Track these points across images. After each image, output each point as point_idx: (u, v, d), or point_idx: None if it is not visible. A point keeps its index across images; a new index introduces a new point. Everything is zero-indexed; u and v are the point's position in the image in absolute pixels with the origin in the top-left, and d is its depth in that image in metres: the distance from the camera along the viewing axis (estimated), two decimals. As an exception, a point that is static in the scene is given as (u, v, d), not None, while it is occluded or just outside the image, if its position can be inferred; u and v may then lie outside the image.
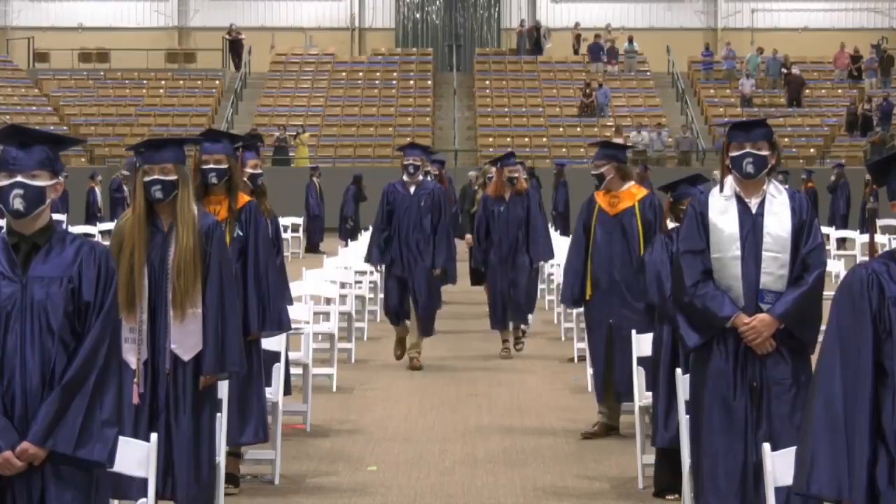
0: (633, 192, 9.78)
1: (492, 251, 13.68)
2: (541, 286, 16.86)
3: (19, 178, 4.60)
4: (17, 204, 4.58)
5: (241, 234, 7.82)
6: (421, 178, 13.17)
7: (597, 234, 9.75)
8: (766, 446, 5.24)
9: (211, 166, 7.84)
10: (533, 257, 13.81)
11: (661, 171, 32.32)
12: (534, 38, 42.25)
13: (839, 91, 40.32)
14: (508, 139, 37.76)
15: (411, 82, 41.19)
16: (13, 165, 4.61)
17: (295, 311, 9.70)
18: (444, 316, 15.97)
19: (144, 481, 5.27)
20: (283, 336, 8.56)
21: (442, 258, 13.01)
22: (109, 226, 23.62)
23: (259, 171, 9.03)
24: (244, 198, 7.99)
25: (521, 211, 13.65)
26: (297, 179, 31.31)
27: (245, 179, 8.64)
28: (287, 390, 9.59)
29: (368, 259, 13.51)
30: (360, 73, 41.63)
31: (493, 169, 14.91)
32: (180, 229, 6.33)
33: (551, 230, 18.43)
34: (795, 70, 39.41)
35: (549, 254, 14.36)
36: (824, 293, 6.27)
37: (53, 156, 4.70)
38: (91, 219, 27.73)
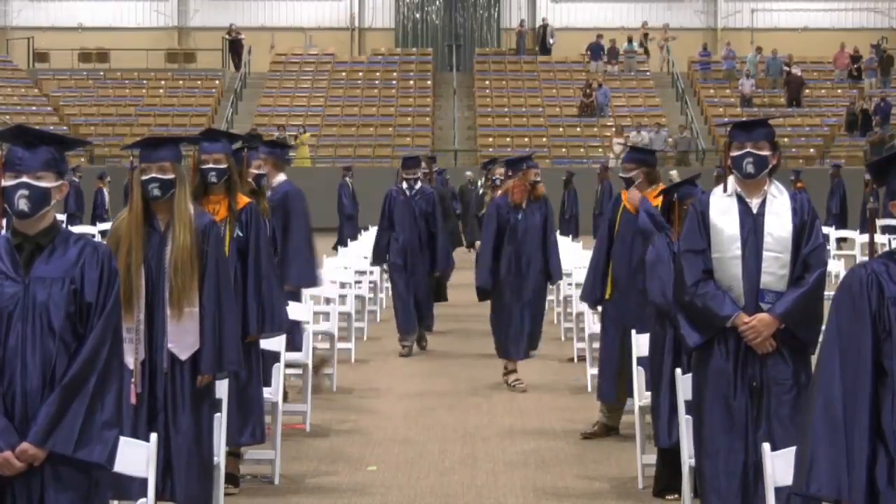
0: (656, 194, 9.67)
1: (503, 266, 11.85)
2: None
3: (24, 179, 4.61)
4: (22, 204, 4.59)
5: (240, 234, 7.82)
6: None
7: (620, 233, 9.66)
8: (766, 446, 5.25)
9: (210, 166, 7.84)
10: (553, 273, 12.23)
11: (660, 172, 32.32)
12: (540, 38, 42.26)
13: (839, 91, 40.33)
14: (508, 139, 37.78)
15: (411, 82, 41.19)
16: (19, 166, 4.62)
17: (295, 311, 9.71)
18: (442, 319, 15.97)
19: (144, 481, 5.27)
20: (282, 336, 8.57)
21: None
22: (108, 226, 23.62)
23: (263, 171, 9.06)
24: (244, 199, 7.98)
25: (539, 219, 11.97)
26: (296, 179, 31.29)
27: (249, 179, 8.68)
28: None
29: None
30: (360, 73, 41.64)
31: (500, 170, 14.18)
32: (177, 228, 6.33)
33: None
34: (796, 70, 39.42)
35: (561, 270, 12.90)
36: (825, 293, 6.28)
37: (59, 157, 4.71)
38: (97, 220, 27.71)
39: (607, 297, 9.66)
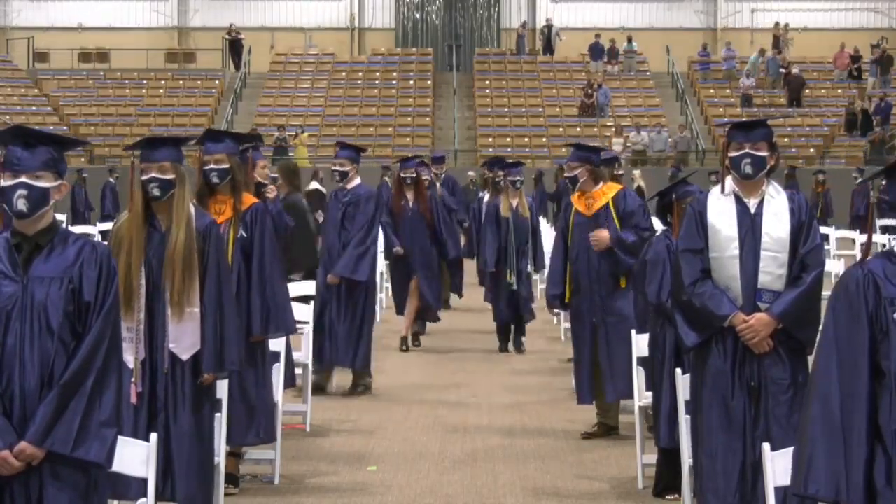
0: (605, 192, 9.81)
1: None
2: (541, 286, 16.86)
3: (23, 179, 4.61)
4: (21, 205, 4.60)
5: (244, 234, 7.80)
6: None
7: (574, 235, 9.78)
8: (766, 447, 5.25)
9: (212, 166, 7.83)
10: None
11: (661, 171, 32.37)
12: (545, 38, 42.23)
13: (839, 91, 40.30)
14: (508, 139, 37.78)
15: (411, 82, 41.18)
16: (17, 166, 4.63)
17: (295, 312, 9.71)
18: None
19: (144, 481, 5.27)
20: (283, 336, 8.57)
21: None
22: (108, 226, 23.64)
23: (265, 171, 9.09)
24: (249, 199, 7.97)
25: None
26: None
27: (262, 179, 8.73)
28: (292, 382, 9.66)
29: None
30: (360, 73, 41.63)
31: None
32: (174, 228, 6.33)
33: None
34: (796, 70, 39.40)
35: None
36: (823, 293, 6.29)
37: (58, 157, 4.71)
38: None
39: (567, 300, 9.80)
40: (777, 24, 42.37)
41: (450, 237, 14.52)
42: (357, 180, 11.76)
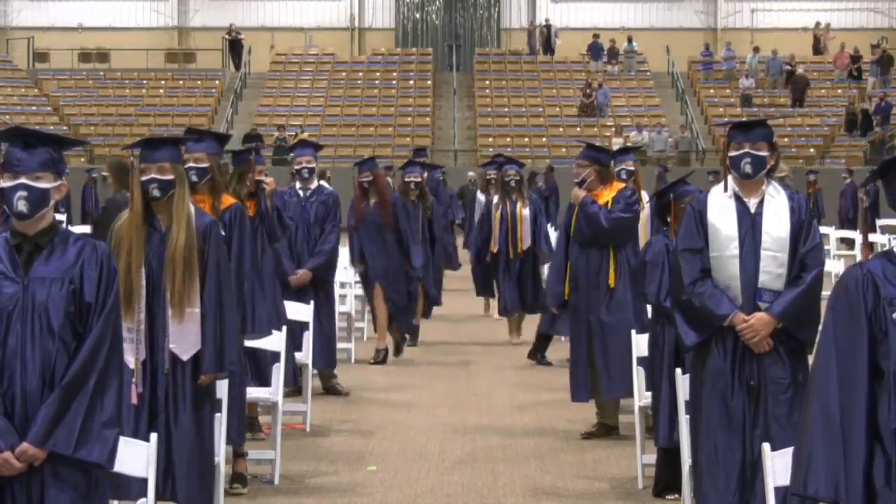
0: (610, 191, 9.81)
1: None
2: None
3: (23, 180, 4.61)
4: (21, 206, 4.60)
5: (223, 234, 7.77)
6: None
7: (576, 233, 9.78)
8: (766, 446, 5.26)
9: (190, 165, 7.79)
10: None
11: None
12: (545, 38, 42.26)
13: (839, 91, 40.32)
14: (508, 139, 37.80)
15: (411, 82, 41.21)
16: (17, 167, 4.63)
17: (295, 311, 9.72)
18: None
19: (144, 481, 5.28)
20: (283, 335, 8.58)
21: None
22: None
23: (262, 177, 9.09)
24: (229, 200, 7.95)
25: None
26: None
27: (260, 179, 8.73)
28: (294, 381, 9.73)
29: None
30: (360, 73, 41.66)
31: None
32: (174, 228, 6.33)
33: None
34: (800, 70, 39.40)
35: None
36: (823, 292, 6.30)
37: (57, 157, 4.71)
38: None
39: (566, 297, 9.79)
40: (818, 23, 42.33)
41: (415, 245, 13.23)
42: (316, 180, 11.40)
